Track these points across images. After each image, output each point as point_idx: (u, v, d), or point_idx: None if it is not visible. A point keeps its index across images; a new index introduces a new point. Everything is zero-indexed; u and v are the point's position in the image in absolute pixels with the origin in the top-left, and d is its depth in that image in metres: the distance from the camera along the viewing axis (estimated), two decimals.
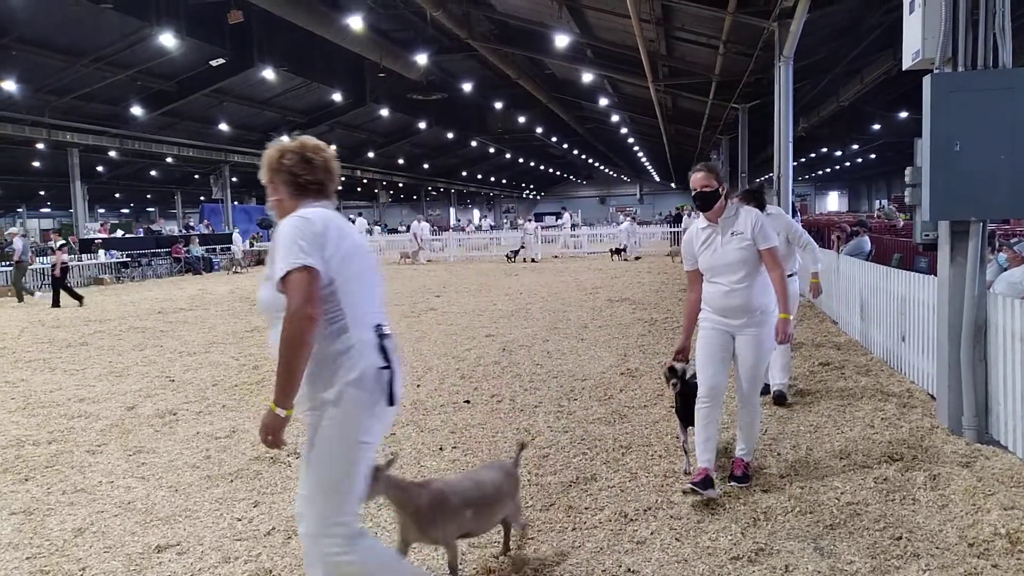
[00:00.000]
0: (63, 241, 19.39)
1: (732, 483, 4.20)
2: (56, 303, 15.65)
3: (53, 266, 16.43)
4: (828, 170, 61.90)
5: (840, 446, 4.83)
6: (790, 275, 5.76)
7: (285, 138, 2.75)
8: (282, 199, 2.68)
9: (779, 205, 11.66)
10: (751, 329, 4.10)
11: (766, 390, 5.94)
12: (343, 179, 47.46)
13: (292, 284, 2.40)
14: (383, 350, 2.60)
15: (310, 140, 2.72)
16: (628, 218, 29.79)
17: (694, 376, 4.30)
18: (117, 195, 54.94)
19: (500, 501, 3.26)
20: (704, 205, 4.15)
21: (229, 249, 28.81)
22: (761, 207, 5.80)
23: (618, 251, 24.77)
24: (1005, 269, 6.86)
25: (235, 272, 26.05)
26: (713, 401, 4.14)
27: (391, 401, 2.59)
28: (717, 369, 4.15)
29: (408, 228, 32.65)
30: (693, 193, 4.18)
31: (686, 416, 4.43)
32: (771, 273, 4.10)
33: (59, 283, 16.06)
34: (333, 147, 2.83)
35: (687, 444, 4.52)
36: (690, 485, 4.08)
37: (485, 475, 3.31)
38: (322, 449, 2.53)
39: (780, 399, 5.98)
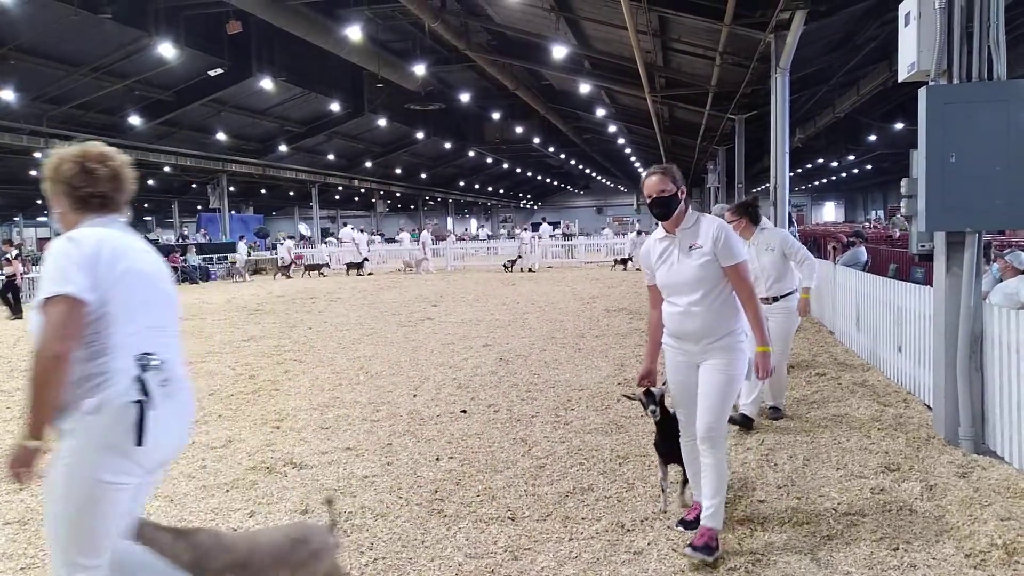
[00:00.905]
0: (16, 251, 19.28)
1: (688, 551, 3.45)
2: (17, 314, 15.56)
3: (9, 277, 16.36)
4: (824, 181, 62.05)
5: (836, 457, 4.83)
6: (788, 293, 5.66)
7: (67, 146, 2.51)
8: (64, 212, 2.48)
9: (775, 215, 11.69)
10: (713, 359, 3.54)
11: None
12: (340, 188, 47.92)
13: (48, 315, 2.20)
14: (140, 382, 2.32)
15: (94, 148, 2.48)
16: (636, 228, 29.57)
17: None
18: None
19: (278, 573, 2.76)
20: (663, 213, 3.57)
21: (226, 259, 28.81)
22: (755, 221, 5.74)
23: (624, 261, 24.54)
24: (1000, 280, 6.88)
25: (237, 281, 26.01)
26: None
27: (139, 441, 2.28)
28: (692, 407, 3.65)
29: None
30: (648, 200, 3.58)
31: (667, 451, 4.02)
32: (740, 295, 3.52)
33: (12, 292, 16.05)
34: (124, 156, 2.62)
35: (665, 481, 4.12)
36: (681, 528, 3.79)
37: (268, 538, 2.85)
38: (56, 482, 2.29)
39: (745, 423, 5.49)
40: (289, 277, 26.09)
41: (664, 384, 3.92)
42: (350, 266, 26.17)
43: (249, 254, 29.96)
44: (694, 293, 3.51)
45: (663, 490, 4.14)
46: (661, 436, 4.07)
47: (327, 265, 26.95)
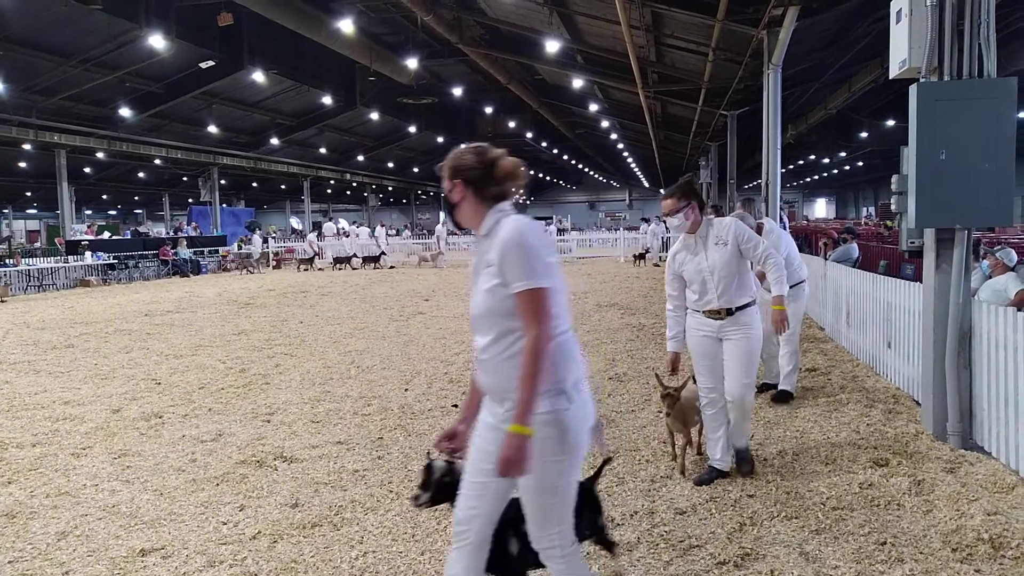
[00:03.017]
0: None
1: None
2: None
3: None
4: (816, 177, 62.27)
5: (826, 451, 4.86)
6: (746, 304, 4.32)
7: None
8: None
9: (767, 211, 11.71)
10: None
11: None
12: (332, 182, 47.78)
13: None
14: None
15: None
16: (654, 218, 28.60)
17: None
18: (104, 197, 54.62)
19: None
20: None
21: (216, 252, 28.70)
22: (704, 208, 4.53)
23: (641, 256, 24.02)
24: (989, 276, 6.93)
25: (249, 272, 25.96)
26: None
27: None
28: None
29: (397, 232, 32.71)
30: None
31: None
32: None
33: None
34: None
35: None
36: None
37: None
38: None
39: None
40: (307, 269, 26.18)
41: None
42: (367, 259, 26.16)
43: (240, 248, 29.86)
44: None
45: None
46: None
47: (355, 256, 26.97)
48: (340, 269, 25.72)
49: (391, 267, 26.18)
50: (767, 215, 10.92)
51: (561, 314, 2.41)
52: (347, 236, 30.04)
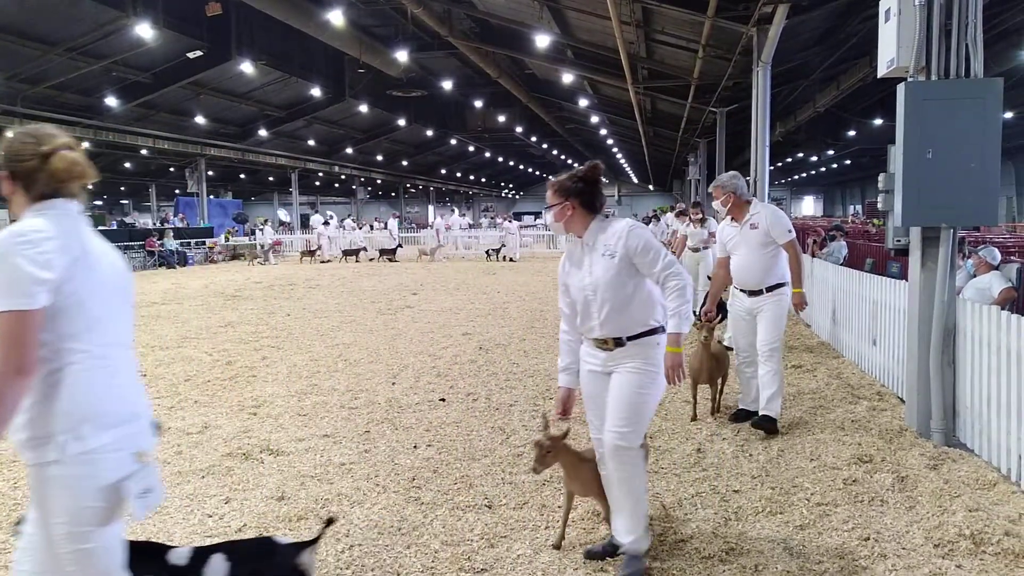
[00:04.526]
0: None
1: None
2: None
3: None
4: (804, 175, 62.54)
5: (810, 448, 4.89)
6: (645, 332, 3.30)
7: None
8: None
9: None
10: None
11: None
12: (321, 174, 47.57)
13: None
14: None
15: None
16: (652, 216, 28.18)
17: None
18: (90, 187, 53.83)
19: None
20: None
21: (203, 243, 28.54)
22: (591, 207, 3.41)
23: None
24: (973, 275, 6.99)
25: (260, 263, 25.82)
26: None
27: None
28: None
29: (385, 225, 32.57)
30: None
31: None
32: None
33: None
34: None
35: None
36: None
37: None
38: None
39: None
40: (324, 261, 26.12)
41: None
42: (382, 252, 26.10)
43: (227, 240, 29.72)
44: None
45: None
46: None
47: (364, 250, 26.93)
48: (392, 261, 25.49)
49: (371, 259, 26.16)
50: None
51: (77, 336, 2.06)
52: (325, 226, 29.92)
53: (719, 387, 5.89)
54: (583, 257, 3.35)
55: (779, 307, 5.34)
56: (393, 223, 30.12)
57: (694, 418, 5.68)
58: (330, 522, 2.91)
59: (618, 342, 3.29)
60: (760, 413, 5.31)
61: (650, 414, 3.40)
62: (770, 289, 5.33)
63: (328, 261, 26.41)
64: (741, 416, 5.60)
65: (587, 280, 3.30)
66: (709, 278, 8.50)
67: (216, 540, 3.73)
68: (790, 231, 5.33)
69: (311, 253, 26.49)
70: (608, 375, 3.35)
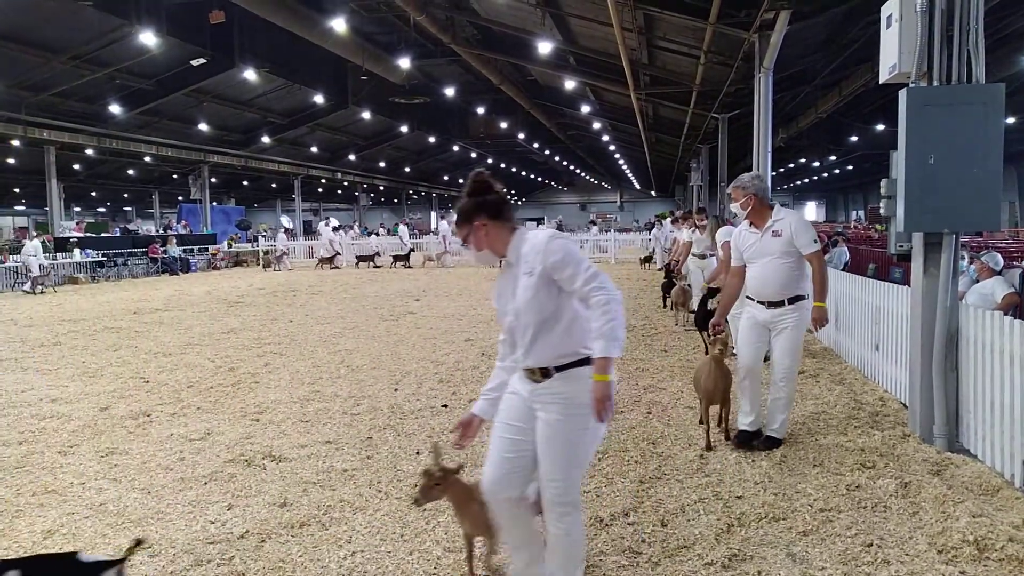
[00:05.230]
0: None
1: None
2: None
3: None
4: (806, 180, 62.52)
5: (813, 454, 4.88)
6: (571, 364, 2.87)
7: None
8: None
9: None
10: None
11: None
12: (323, 181, 47.69)
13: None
14: None
15: None
16: (657, 220, 27.89)
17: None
18: (94, 194, 54.33)
19: None
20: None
21: (207, 250, 28.59)
22: (496, 216, 2.98)
23: (647, 259, 23.29)
24: (976, 281, 6.98)
25: (276, 270, 25.87)
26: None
27: None
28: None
29: (388, 231, 32.67)
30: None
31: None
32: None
33: None
34: None
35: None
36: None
37: None
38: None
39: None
40: (336, 267, 26.18)
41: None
42: (396, 258, 26.21)
43: (230, 246, 29.78)
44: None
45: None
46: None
47: (378, 255, 27.04)
48: (407, 267, 25.48)
49: (379, 266, 26.23)
50: None
51: None
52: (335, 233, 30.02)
53: (731, 407, 5.28)
54: (510, 278, 2.95)
55: (801, 325, 4.96)
56: (403, 229, 30.19)
57: (709, 447, 5.03)
58: (139, 543, 2.79)
59: (545, 373, 2.88)
60: (766, 435, 5.07)
61: (586, 462, 3.01)
62: (792, 301, 4.89)
63: (337, 267, 26.38)
64: (743, 439, 5.08)
65: (510, 304, 2.92)
66: (712, 290, 8.23)
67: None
68: (815, 241, 4.90)
69: (329, 260, 26.46)
70: (534, 409, 2.93)
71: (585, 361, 2.84)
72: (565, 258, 2.78)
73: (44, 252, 20.99)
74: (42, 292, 18.99)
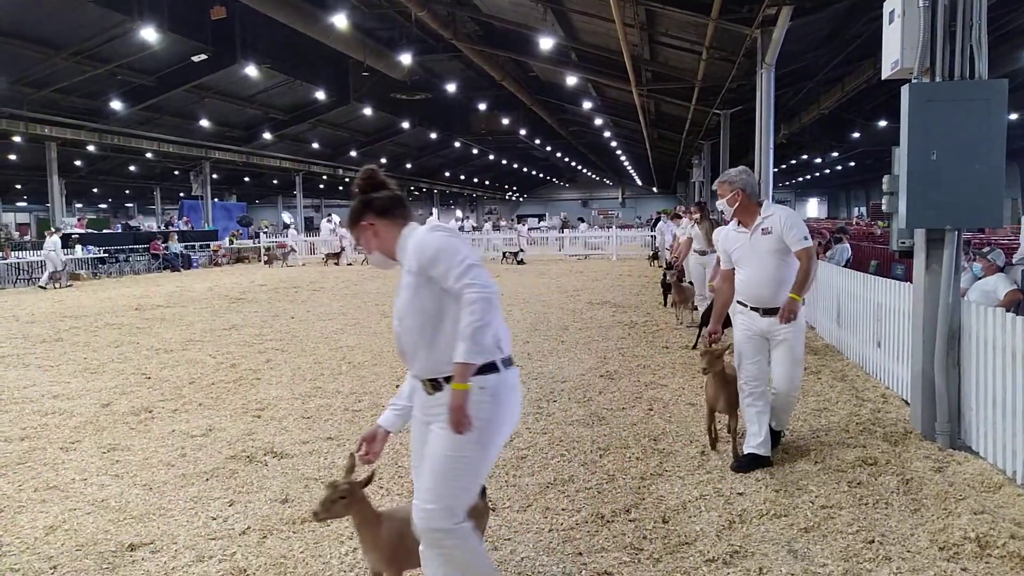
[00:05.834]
0: None
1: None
2: None
3: None
4: (808, 177, 62.39)
5: (815, 450, 4.88)
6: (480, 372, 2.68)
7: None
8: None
9: None
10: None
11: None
12: (325, 177, 47.65)
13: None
14: None
15: None
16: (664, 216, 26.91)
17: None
18: (95, 190, 54.32)
19: None
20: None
21: (208, 246, 28.59)
22: (388, 213, 2.82)
23: (654, 255, 22.98)
24: (980, 278, 6.96)
25: (284, 265, 25.86)
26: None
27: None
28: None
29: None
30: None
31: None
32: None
33: None
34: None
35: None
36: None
37: None
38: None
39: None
40: (337, 264, 26.15)
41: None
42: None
43: (231, 242, 29.78)
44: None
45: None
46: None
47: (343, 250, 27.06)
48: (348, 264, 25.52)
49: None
50: None
51: None
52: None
53: (738, 418, 4.85)
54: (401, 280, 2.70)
55: (800, 333, 4.63)
56: None
57: (712, 446, 4.95)
58: None
59: (435, 384, 2.64)
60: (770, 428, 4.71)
61: (470, 484, 2.64)
62: None
63: (350, 264, 26.29)
64: (745, 464, 4.57)
65: (399, 308, 2.69)
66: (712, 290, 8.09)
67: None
68: (806, 238, 4.47)
69: (335, 256, 26.47)
70: (428, 425, 2.71)
71: (480, 370, 2.53)
72: (438, 253, 2.52)
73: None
74: (57, 288, 19.00)
